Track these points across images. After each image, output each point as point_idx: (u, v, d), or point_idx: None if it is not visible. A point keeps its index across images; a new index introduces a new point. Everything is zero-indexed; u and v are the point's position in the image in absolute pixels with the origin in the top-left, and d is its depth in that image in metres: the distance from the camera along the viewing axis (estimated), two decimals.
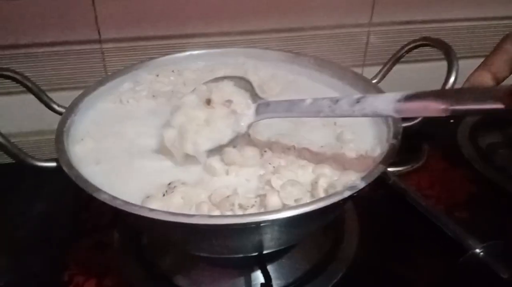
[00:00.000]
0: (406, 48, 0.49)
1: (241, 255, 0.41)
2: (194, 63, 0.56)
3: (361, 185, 0.34)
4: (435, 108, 0.31)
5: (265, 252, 0.40)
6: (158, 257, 0.48)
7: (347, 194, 0.33)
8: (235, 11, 0.63)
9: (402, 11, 0.71)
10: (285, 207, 0.34)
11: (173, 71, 0.54)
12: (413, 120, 0.43)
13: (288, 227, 0.36)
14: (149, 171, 0.40)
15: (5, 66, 0.43)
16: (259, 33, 0.66)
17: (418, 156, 0.62)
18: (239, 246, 0.38)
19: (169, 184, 0.37)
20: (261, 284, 0.42)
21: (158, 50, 0.64)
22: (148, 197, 0.35)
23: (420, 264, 0.48)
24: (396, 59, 0.50)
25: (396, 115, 0.35)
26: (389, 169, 0.57)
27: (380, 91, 0.47)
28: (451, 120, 0.69)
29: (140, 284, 0.46)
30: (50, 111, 0.46)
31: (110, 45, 0.63)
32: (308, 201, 0.33)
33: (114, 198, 0.33)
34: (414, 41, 0.49)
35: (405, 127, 0.40)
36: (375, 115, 0.36)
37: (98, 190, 0.34)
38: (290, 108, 0.39)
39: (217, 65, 0.56)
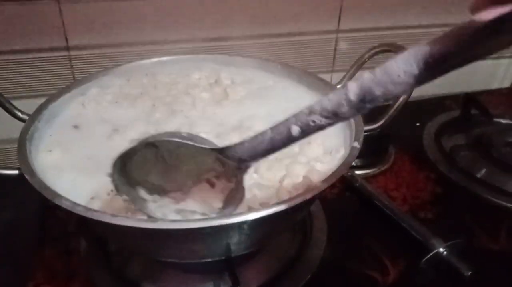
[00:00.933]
0: (367, 55, 0.51)
1: (208, 260, 0.41)
2: (166, 68, 0.56)
3: (323, 186, 0.34)
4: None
5: (232, 255, 0.40)
6: (125, 264, 0.47)
7: (309, 195, 0.34)
8: (207, 18, 0.64)
9: (369, 18, 0.72)
10: (250, 210, 0.34)
11: (146, 74, 0.54)
12: (376, 123, 0.44)
13: (254, 229, 0.36)
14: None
15: None
16: (231, 40, 0.67)
17: (384, 158, 0.63)
18: (206, 250, 0.38)
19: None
20: None
21: (128, 57, 0.64)
22: (92, 198, 0.35)
23: (386, 264, 0.48)
24: (360, 64, 0.51)
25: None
26: (357, 172, 0.59)
27: None
28: (417, 124, 0.71)
29: None
30: (14, 120, 0.46)
31: (78, 52, 0.63)
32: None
33: (75, 204, 0.33)
34: (374, 47, 0.50)
35: (369, 130, 0.42)
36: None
37: (59, 196, 0.33)
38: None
39: (191, 69, 0.56)
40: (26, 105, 0.46)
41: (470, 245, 0.49)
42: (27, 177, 0.35)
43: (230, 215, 0.32)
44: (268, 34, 0.69)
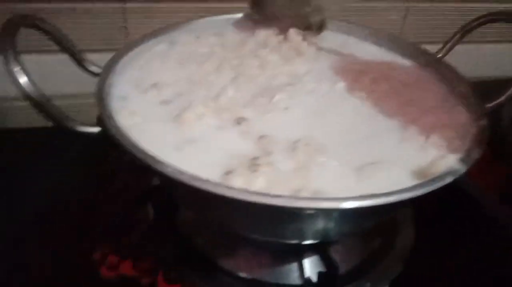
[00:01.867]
0: (477, 21, 0.45)
1: (302, 242, 0.37)
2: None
3: (462, 169, 0.30)
4: None
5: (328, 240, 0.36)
6: (197, 236, 0.43)
7: (449, 179, 0.29)
8: None
9: None
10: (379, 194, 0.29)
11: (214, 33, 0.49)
12: (495, 101, 0.39)
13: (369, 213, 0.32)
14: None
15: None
16: None
17: None
18: (310, 230, 0.34)
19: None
20: (320, 272, 0.38)
21: (182, 14, 0.59)
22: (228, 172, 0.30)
23: (474, 255, 0.44)
24: (465, 32, 0.45)
25: None
26: None
27: (446, 65, 0.43)
28: None
29: (178, 265, 0.41)
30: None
31: (133, 4, 0.57)
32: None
33: (180, 172, 0.28)
34: (489, 14, 0.44)
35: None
36: None
37: (159, 162, 0.29)
38: None
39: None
40: None
41: None
42: (118, 138, 0.31)
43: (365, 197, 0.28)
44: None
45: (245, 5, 0.50)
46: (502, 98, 0.38)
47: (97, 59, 0.40)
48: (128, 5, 0.58)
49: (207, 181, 0.27)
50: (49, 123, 0.32)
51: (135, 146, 0.30)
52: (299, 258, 0.40)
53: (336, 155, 0.33)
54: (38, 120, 0.33)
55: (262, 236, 0.37)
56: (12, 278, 0.41)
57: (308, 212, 0.29)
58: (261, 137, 0.34)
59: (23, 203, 0.48)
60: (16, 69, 0.30)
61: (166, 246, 0.43)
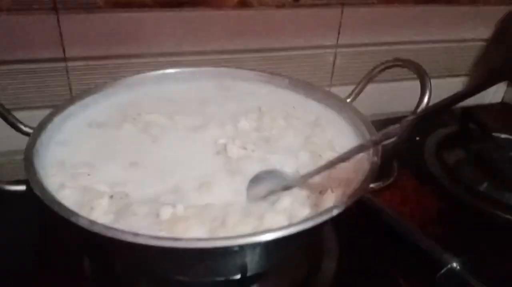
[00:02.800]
0: (378, 69, 0.51)
1: (224, 278, 0.40)
2: (170, 84, 0.55)
3: (349, 202, 0.34)
4: None
5: (248, 274, 0.39)
6: (133, 284, 0.45)
7: (335, 212, 0.33)
8: (208, 31, 0.63)
9: (367, 33, 0.73)
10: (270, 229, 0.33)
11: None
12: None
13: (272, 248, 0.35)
14: None
15: None
16: (230, 53, 0.67)
17: (388, 173, 0.63)
18: (226, 268, 0.37)
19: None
20: None
21: (125, 69, 0.62)
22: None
23: (399, 282, 0.48)
24: (369, 79, 0.51)
25: None
26: None
27: (355, 110, 0.48)
28: (417, 138, 0.71)
29: None
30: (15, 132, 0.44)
31: (75, 63, 0.61)
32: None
33: (93, 222, 0.31)
34: (386, 61, 0.50)
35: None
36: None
37: (75, 214, 0.32)
38: None
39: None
40: (23, 118, 0.44)
41: (481, 260, 0.49)
42: (37, 193, 0.34)
43: (255, 234, 0.31)
44: (267, 48, 0.69)
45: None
46: (395, 137, 0.43)
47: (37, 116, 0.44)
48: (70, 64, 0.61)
49: (116, 230, 0.30)
50: None
51: (55, 202, 0.33)
52: None
53: None
54: None
55: (189, 278, 0.40)
56: None
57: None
58: None
59: None
60: None
61: None
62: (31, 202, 0.49)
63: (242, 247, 0.32)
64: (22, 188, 0.36)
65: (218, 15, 0.63)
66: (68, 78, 0.62)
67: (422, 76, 0.45)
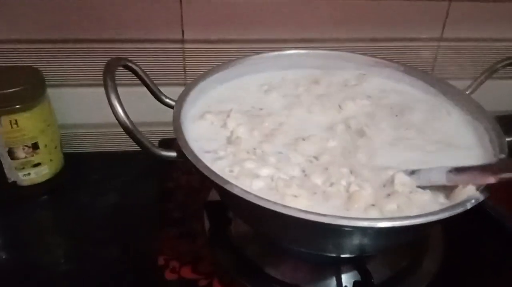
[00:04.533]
0: (501, 64, 0.50)
1: (336, 255, 0.43)
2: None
3: (481, 197, 0.35)
4: (483, 178, 0.36)
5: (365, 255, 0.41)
6: (248, 246, 0.50)
7: (469, 205, 0.34)
8: (324, 19, 0.65)
9: (472, 29, 0.71)
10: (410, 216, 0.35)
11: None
12: None
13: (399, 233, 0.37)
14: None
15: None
16: (335, 42, 0.68)
17: None
18: (344, 246, 0.40)
19: None
20: (355, 282, 0.44)
21: (237, 54, 0.65)
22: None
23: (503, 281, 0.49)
24: (490, 72, 0.51)
25: (449, 184, 0.37)
26: None
27: (473, 102, 0.49)
28: None
29: (233, 271, 0.48)
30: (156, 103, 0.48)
31: (192, 45, 0.65)
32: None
33: (246, 191, 0.35)
34: (509, 57, 0.49)
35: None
36: (430, 184, 0.38)
37: (229, 183, 0.36)
38: None
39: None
40: None
41: None
42: (192, 161, 0.38)
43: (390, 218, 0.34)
44: (370, 38, 0.69)
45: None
46: None
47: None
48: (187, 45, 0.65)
49: (268, 201, 0.34)
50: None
51: (207, 169, 0.37)
52: (337, 269, 0.46)
53: None
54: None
55: (305, 249, 0.44)
56: (84, 273, 0.49)
57: (347, 229, 0.34)
58: None
59: (98, 210, 0.58)
60: (115, 102, 0.38)
61: (221, 253, 0.49)
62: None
63: (365, 229, 0.34)
64: (173, 154, 0.40)
65: (328, 4, 0.64)
66: (184, 59, 0.66)
67: None
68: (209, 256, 0.49)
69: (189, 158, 0.38)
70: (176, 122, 0.43)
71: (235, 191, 0.35)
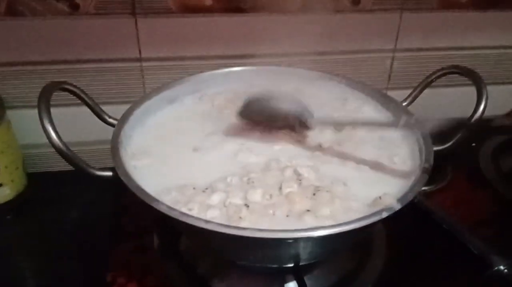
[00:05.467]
0: (435, 75, 0.52)
1: (277, 266, 0.44)
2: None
3: (397, 207, 0.37)
4: None
5: (301, 263, 0.43)
6: (196, 261, 0.51)
7: (385, 215, 0.36)
8: (273, 34, 0.66)
9: (425, 38, 0.73)
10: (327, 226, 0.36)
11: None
12: (444, 145, 0.46)
13: (326, 242, 0.39)
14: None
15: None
16: (288, 56, 0.69)
17: (442, 176, 0.64)
18: (280, 256, 0.41)
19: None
20: None
21: (194, 70, 0.64)
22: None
23: (445, 281, 0.50)
24: (426, 84, 0.53)
25: None
26: None
27: (409, 113, 0.51)
28: (473, 144, 0.72)
29: (181, 284, 0.49)
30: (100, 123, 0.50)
31: (149, 63, 0.66)
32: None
33: (171, 208, 0.36)
34: (443, 68, 0.51)
35: (437, 151, 0.43)
36: None
37: (156, 201, 0.37)
38: None
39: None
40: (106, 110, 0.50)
41: None
42: (124, 180, 0.39)
43: (311, 229, 0.35)
44: (324, 51, 0.71)
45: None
46: (450, 143, 0.45)
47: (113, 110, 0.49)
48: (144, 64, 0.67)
49: (189, 216, 0.35)
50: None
51: (138, 188, 0.38)
52: (282, 280, 0.47)
53: None
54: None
55: (247, 262, 0.45)
56: None
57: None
58: None
59: (59, 226, 0.59)
60: (48, 125, 0.39)
61: (170, 267, 0.50)
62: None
63: (296, 240, 0.36)
64: (109, 174, 0.42)
65: (281, 19, 0.66)
66: (143, 77, 0.67)
67: (479, 85, 0.46)
68: (158, 270, 0.50)
69: (121, 177, 0.39)
70: (114, 141, 0.44)
71: (162, 209, 0.36)
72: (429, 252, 0.53)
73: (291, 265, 0.44)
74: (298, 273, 0.45)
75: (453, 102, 0.77)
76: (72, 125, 0.63)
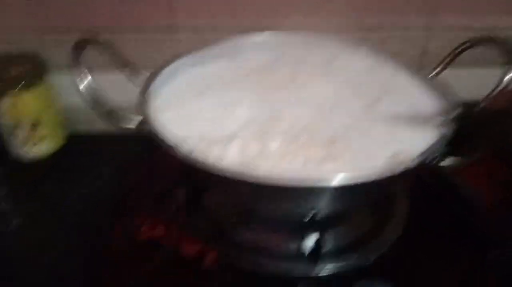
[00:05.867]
0: (461, 47, 0.50)
1: (297, 213, 0.45)
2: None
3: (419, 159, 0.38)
4: None
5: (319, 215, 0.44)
6: (218, 212, 0.53)
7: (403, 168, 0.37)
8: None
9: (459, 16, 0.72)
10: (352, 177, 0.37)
11: None
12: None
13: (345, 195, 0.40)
14: None
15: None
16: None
17: (473, 151, 0.63)
18: (299, 206, 0.42)
19: None
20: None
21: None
22: None
23: (457, 258, 0.50)
24: (454, 55, 0.51)
25: None
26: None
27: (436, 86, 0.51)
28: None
29: (202, 232, 0.51)
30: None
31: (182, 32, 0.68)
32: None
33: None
34: (467, 41, 0.49)
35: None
36: None
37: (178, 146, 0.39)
38: None
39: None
40: None
41: None
42: (156, 130, 0.41)
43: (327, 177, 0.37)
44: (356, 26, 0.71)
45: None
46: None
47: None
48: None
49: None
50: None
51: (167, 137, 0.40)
52: (300, 235, 0.47)
53: None
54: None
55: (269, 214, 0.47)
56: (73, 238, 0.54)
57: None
58: None
59: (86, 184, 0.62)
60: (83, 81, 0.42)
61: (193, 217, 0.53)
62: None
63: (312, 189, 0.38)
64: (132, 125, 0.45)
65: None
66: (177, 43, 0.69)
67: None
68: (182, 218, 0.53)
69: (150, 124, 0.42)
70: (143, 92, 0.47)
71: (182, 154, 0.38)
72: (448, 226, 0.53)
73: (311, 214, 0.44)
74: (317, 228, 0.45)
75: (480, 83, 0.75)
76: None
